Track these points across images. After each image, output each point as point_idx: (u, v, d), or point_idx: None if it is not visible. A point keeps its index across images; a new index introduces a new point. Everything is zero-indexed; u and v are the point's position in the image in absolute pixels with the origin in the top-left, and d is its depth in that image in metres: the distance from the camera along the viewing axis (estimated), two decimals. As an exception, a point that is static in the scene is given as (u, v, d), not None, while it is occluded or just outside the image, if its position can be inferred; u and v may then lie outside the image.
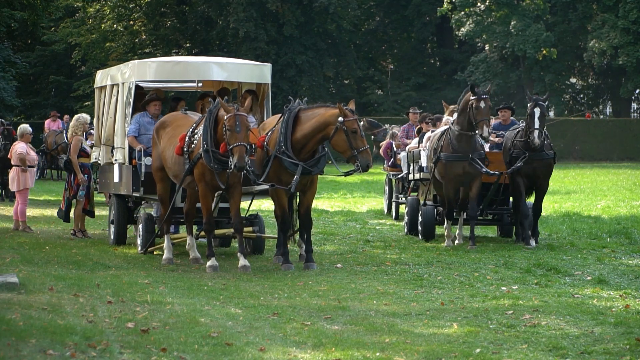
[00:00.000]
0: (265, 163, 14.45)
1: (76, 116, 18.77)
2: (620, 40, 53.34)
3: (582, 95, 63.60)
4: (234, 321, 10.10)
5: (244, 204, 16.11)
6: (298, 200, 15.31)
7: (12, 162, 19.11)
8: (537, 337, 9.46)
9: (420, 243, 17.52)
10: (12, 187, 19.05)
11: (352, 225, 21.03)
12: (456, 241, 16.97)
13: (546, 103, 16.94)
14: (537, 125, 16.41)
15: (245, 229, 15.83)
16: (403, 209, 20.85)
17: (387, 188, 22.97)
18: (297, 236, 15.76)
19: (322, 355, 8.61)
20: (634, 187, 30.62)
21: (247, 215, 16.21)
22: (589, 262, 14.98)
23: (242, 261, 14.10)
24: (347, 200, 28.15)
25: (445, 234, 17.15)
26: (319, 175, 14.89)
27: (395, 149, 22.04)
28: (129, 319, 9.80)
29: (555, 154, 17.19)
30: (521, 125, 17.08)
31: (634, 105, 62.45)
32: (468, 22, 57.25)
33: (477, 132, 16.26)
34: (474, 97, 16.22)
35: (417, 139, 19.93)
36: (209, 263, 14.15)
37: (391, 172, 22.20)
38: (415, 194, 20.04)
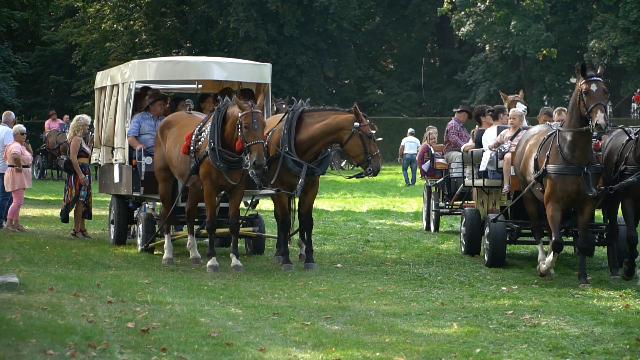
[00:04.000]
0: (267, 163, 14.42)
1: (77, 117, 18.75)
2: (620, 40, 53.33)
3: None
4: (234, 321, 10.09)
5: (243, 205, 16.11)
6: (298, 201, 15.30)
7: (7, 163, 19.05)
8: (537, 337, 9.46)
9: (420, 243, 17.48)
10: (7, 187, 19.00)
11: (352, 225, 21.01)
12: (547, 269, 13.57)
13: None
14: None
15: (245, 229, 15.84)
16: (443, 220, 19.90)
17: (426, 199, 19.49)
18: (296, 236, 15.76)
19: (322, 355, 8.61)
20: (634, 187, 30.56)
21: (247, 215, 16.19)
22: (589, 262, 14.96)
23: (235, 261, 14.10)
24: (347, 200, 28.14)
25: (546, 264, 13.41)
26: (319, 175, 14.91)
27: (433, 152, 19.38)
28: (129, 319, 9.79)
29: None
30: (633, 133, 13.31)
31: (634, 105, 62.44)
32: (468, 22, 57.27)
33: (589, 124, 12.55)
34: (582, 81, 12.74)
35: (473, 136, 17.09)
36: (209, 263, 14.13)
37: (429, 180, 19.24)
38: (460, 202, 17.61)
